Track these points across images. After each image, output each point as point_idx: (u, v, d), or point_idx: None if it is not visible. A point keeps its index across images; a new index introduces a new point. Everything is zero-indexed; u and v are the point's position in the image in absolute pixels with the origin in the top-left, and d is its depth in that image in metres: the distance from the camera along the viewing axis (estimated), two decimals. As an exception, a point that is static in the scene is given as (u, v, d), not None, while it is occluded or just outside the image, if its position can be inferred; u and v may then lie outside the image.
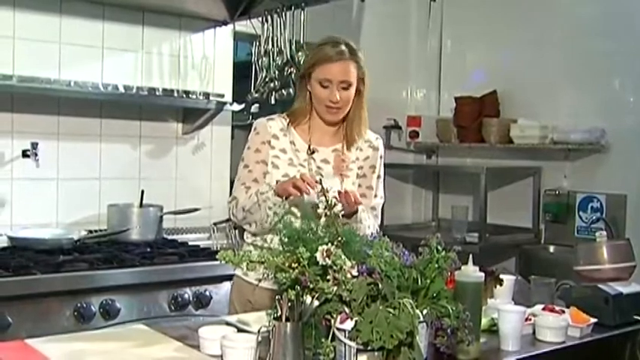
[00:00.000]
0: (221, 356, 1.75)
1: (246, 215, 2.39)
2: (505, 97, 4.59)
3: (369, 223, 2.42)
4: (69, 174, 3.50)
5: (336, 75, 2.36)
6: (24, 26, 3.32)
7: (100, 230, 3.47)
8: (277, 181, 2.34)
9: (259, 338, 1.68)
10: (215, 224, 3.70)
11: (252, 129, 2.53)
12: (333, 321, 1.63)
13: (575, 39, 4.29)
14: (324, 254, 1.65)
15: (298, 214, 2.26)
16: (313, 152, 2.47)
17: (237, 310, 2.44)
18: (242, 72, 3.95)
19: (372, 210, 2.51)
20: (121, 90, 3.54)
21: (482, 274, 1.91)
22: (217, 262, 1.73)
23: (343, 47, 2.37)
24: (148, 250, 3.30)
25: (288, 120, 2.50)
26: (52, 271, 2.81)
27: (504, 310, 2.01)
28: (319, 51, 2.40)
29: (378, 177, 2.57)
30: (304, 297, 1.66)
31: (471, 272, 1.89)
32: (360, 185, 2.50)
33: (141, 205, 3.51)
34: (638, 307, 2.34)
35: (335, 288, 1.63)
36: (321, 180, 1.99)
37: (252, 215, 2.37)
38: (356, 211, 2.32)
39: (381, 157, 2.57)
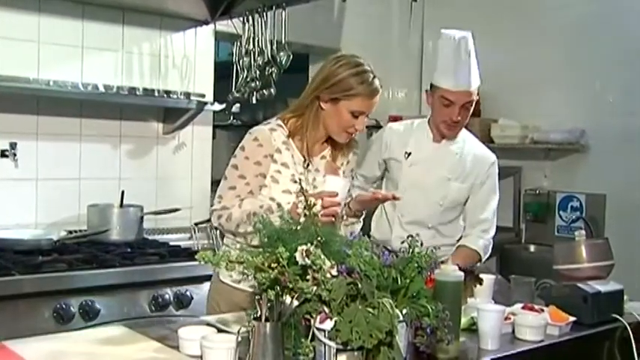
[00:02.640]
0: (201, 357, 1.74)
1: (240, 230, 2.35)
2: (486, 97, 4.60)
3: None
4: (48, 174, 3.47)
5: (371, 108, 2.43)
6: (2, 25, 3.28)
7: (80, 231, 3.45)
8: (287, 205, 2.28)
9: (239, 338, 1.68)
10: (196, 224, 3.68)
11: (252, 138, 2.42)
12: (312, 321, 1.64)
13: (556, 40, 4.32)
14: (304, 254, 1.65)
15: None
16: (308, 165, 2.47)
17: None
18: (223, 72, 3.94)
19: None
20: (101, 89, 3.51)
21: (462, 274, 1.92)
22: (198, 263, 1.72)
23: (377, 82, 2.42)
24: (129, 250, 3.28)
25: (287, 131, 2.45)
26: (31, 272, 2.78)
27: (484, 309, 2.02)
28: (353, 86, 2.37)
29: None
30: (284, 297, 1.66)
31: (451, 271, 1.90)
32: None
33: (121, 205, 3.48)
34: (616, 305, 2.37)
35: (314, 288, 1.63)
36: (300, 180, 1.98)
37: (245, 228, 2.33)
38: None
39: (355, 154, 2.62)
